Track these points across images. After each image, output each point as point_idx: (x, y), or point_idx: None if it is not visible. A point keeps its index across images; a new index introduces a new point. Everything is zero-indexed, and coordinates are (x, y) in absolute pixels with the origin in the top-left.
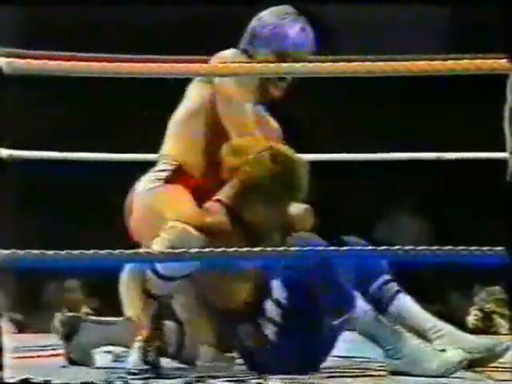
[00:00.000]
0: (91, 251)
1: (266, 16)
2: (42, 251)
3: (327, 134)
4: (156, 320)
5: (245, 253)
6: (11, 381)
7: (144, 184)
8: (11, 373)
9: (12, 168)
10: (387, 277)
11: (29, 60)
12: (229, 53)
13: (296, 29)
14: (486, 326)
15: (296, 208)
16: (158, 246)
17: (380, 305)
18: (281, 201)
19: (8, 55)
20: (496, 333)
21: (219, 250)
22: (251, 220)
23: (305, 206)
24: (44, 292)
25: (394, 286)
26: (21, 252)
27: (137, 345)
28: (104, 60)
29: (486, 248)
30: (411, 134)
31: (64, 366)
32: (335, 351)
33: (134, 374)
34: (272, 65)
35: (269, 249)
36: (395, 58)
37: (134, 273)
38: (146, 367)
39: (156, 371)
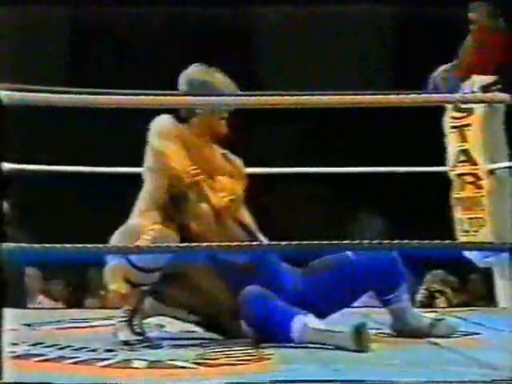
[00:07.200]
0: (74, 245)
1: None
2: (42, 245)
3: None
4: (138, 299)
5: (221, 247)
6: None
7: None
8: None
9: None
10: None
11: (25, 93)
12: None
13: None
14: (429, 302)
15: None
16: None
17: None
18: None
19: (7, 89)
20: (436, 307)
21: (191, 244)
22: None
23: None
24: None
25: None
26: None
27: (122, 319)
28: (93, 94)
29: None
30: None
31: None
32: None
33: (128, 344)
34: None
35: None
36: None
37: (116, 263)
38: (139, 338)
39: (147, 341)
